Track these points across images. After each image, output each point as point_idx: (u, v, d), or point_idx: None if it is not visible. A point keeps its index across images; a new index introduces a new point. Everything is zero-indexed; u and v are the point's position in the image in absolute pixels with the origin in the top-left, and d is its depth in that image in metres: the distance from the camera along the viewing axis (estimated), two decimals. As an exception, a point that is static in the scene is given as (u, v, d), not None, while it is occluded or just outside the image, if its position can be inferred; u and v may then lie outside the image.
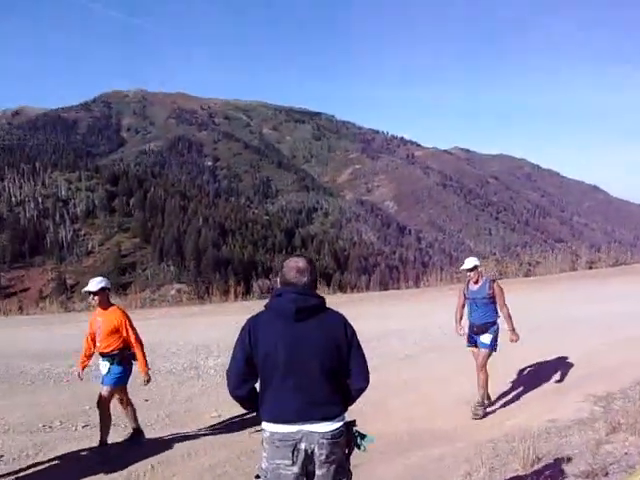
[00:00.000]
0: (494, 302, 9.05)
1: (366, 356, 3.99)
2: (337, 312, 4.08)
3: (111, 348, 7.38)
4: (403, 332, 15.70)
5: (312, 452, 3.83)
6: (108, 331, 7.36)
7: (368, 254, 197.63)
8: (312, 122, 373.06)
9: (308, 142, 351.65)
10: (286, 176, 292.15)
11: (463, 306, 9.36)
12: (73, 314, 25.58)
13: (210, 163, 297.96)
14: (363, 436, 4.10)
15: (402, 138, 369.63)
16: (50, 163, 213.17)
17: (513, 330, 8.97)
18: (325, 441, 3.84)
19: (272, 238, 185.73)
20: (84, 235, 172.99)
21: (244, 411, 8.73)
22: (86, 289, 7.47)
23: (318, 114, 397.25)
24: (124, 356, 7.47)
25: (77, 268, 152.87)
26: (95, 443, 7.64)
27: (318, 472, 3.86)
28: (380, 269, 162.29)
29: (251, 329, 4.00)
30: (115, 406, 7.79)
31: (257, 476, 3.98)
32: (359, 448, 4.10)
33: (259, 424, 8.05)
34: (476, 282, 9.12)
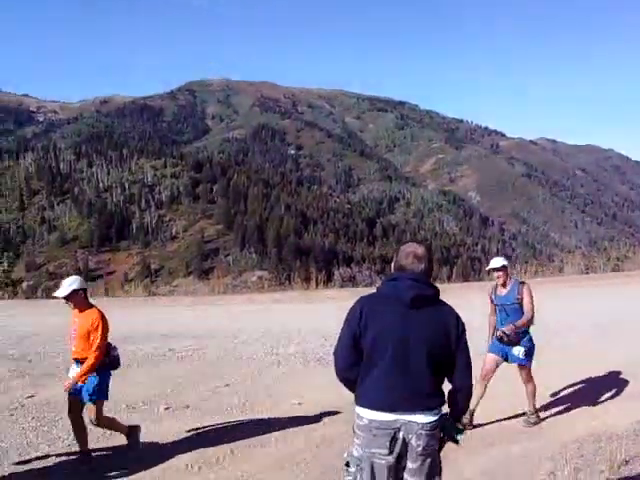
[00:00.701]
0: (521, 307, 7.90)
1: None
2: (449, 305, 3.95)
3: (86, 354, 6.65)
4: (486, 325, 15.45)
5: (409, 443, 3.71)
6: (82, 335, 6.70)
7: (450, 245, 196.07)
8: (395, 111, 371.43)
9: (391, 131, 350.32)
10: (368, 165, 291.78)
11: (494, 312, 8.30)
12: (157, 298, 26.12)
13: (293, 151, 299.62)
14: (459, 430, 3.99)
15: (486, 128, 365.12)
16: (137, 150, 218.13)
17: (514, 325, 7.72)
18: (424, 432, 3.71)
19: (353, 227, 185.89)
20: (168, 221, 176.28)
21: (325, 400, 8.76)
22: (55, 294, 6.78)
23: (402, 103, 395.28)
24: (100, 364, 6.67)
25: (161, 253, 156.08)
26: (176, 427, 7.72)
27: (412, 465, 3.73)
28: (462, 260, 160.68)
29: (363, 311, 3.81)
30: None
31: (347, 463, 3.84)
32: (456, 442, 3.99)
33: (340, 413, 8.00)
34: (504, 285, 8.02)
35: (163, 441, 7.22)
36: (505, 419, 8.13)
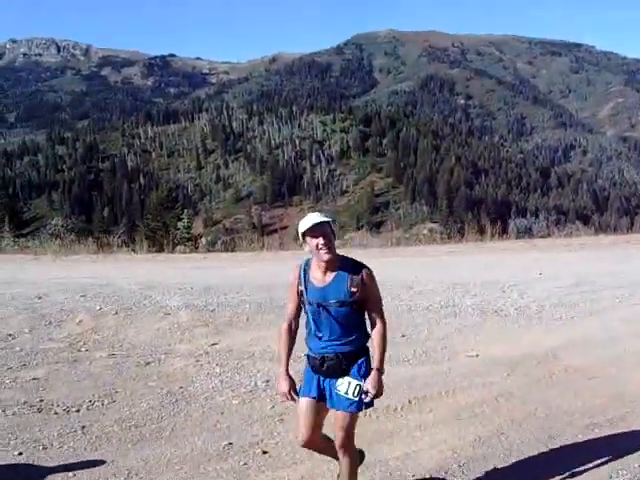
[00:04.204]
0: (361, 311, 4.38)
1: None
2: None
3: None
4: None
5: None
6: None
7: (630, 194, 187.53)
8: (570, 54, 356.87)
9: (565, 76, 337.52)
10: (542, 112, 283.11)
11: (297, 316, 4.59)
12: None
13: (462, 101, 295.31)
14: None
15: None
16: (306, 106, 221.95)
17: (379, 370, 4.31)
18: None
19: (526, 177, 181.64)
20: (339, 175, 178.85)
21: (502, 352, 8.62)
22: None
23: (577, 45, 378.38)
24: None
25: (332, 207, 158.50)
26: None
27: None
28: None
29: None
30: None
31: None
32: None
33: (518, 366, 7.84)
34: (327, 267, 4.26)
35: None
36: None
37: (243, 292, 13.23)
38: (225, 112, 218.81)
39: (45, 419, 6.26)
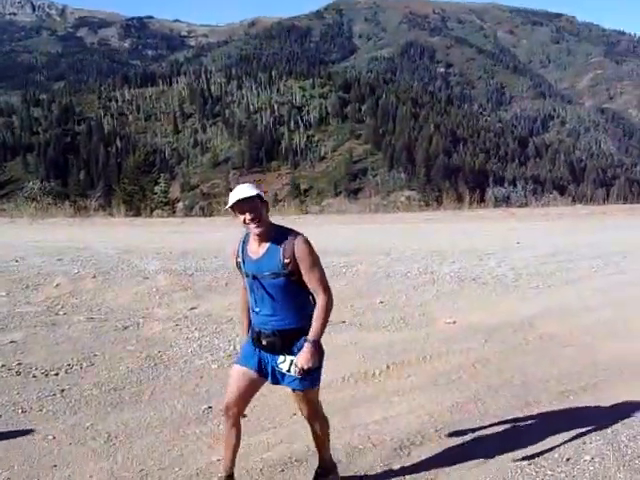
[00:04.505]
0: (303, 284, 4.06)
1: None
2: None
3: None
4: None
5: None
6: None
7: (607, 166, 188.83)
8: (551, 24, 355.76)
9: (546, 45, 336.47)
10: (521, 82, 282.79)
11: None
12: (309, 216, 26.62)
13: (442, 69, 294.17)
14: None
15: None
16: (285, 71, 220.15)
17: (314, 343, 4.02)
18: None
19: (505, 146, 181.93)
20: (317, 141, 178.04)
21: (479, 319, 8.68)
22: None
23: (558, 15, 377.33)
24: None
25: (310, 173, 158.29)
26: (333, 341, 7.81)
27: None
28: (619, 182, 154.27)
29: None
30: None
31: None
32: None
33: (495, 333, 7.90)
34: (261, 240, 4.03)
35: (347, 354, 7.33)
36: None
37: (221, 257, 13.22)
38: (203, 76, 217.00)
39: (24, 382, 6.24)
